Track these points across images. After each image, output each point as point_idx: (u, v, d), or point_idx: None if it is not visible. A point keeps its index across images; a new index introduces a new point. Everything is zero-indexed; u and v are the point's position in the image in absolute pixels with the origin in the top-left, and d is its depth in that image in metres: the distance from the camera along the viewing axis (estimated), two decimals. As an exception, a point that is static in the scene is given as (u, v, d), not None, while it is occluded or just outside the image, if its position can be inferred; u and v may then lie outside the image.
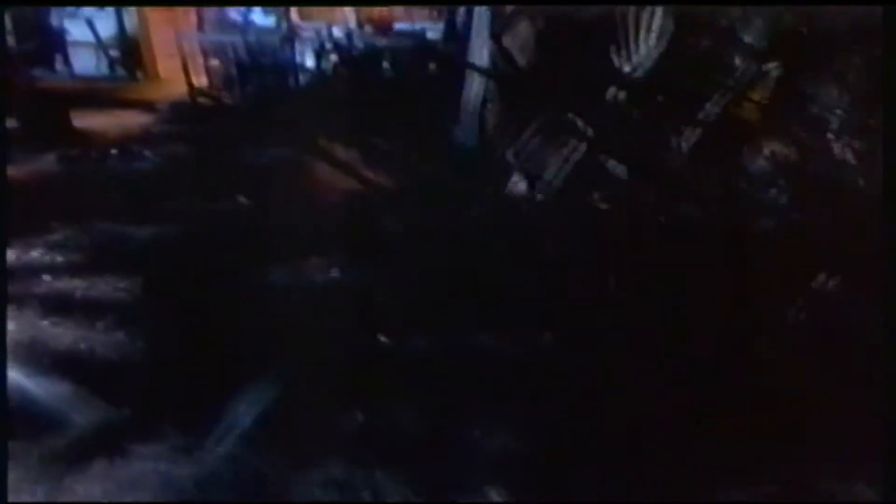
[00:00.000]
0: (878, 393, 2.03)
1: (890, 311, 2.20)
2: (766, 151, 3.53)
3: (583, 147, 3.38)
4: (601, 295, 3.12)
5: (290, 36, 7.46)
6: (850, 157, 3.26)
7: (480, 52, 4.34)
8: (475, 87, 4.24)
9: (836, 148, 3.36)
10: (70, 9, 9.62)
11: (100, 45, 9.61)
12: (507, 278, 3.28)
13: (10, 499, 2.16)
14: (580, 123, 3.61)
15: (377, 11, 8.36)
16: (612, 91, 3.60)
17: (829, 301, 3.17)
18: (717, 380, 2.81)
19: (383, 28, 7.89)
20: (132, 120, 7.68)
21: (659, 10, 4.07)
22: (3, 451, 2.21)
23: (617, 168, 3.58)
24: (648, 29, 4.07)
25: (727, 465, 2.38)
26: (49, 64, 9.59)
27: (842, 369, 2.80)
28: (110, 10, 9.35)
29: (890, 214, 2.28)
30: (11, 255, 4.02)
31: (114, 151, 6.36)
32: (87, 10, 9.53)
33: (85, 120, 7.27)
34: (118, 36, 9.48)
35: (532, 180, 3.94)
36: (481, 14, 4.28)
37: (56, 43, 9.68)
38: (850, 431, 2.38)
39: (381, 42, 7.34)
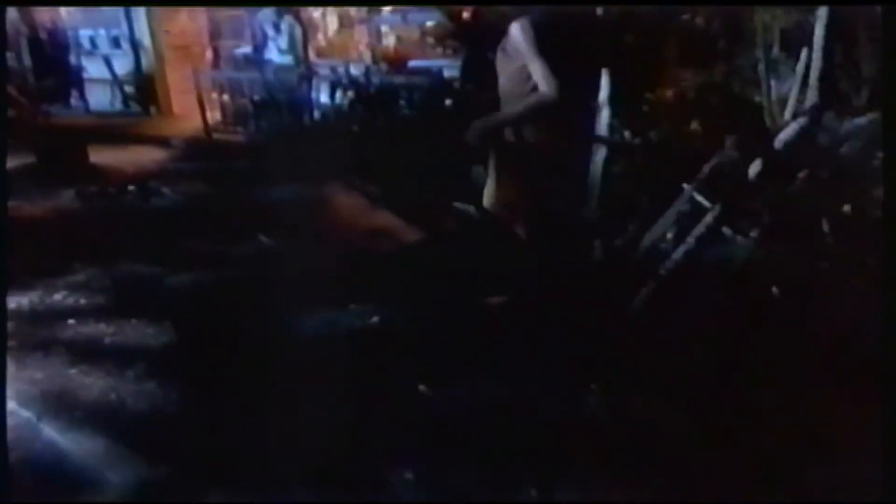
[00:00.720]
0: (877, 393, 1.99)
1: (890, 312, 2.14)
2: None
3: (709, 221, 3.19)
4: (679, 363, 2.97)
5: (308, 74, 7.48)
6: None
7: (604, 122, 4.25)
8: (598, 158, 4.16)
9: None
10: (88, 46, 9.73)
11: (116, 81, 9.69)
12: (565, 332, 3.16)
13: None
14: (703, 197, 3.43)
15: (393, 49, 8.41)
16: (756, 166, 3.40)
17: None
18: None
19: (398, 65, 7.91)
20: (148, 156, 7.69)
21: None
22: (3, 450, 2.16)
23: (742, 249, 3.41)
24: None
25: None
26: (65, 100, 9.67)
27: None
28: (128, 48, 9.43)
29: (890, 214, 2.22)
30: (34, 297, 3.98)
31: (131, 188, 6.33)
32: (105, 49, 9.64)
33: (101, 156, 7.28)
34: (134, 73, 9.55)
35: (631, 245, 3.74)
36: (607, 83, 4.20)
37: (74, 80, 9.78)
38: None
39: (398, 79, 7.36)
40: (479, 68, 6.62)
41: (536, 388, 2.89)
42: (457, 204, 4.89)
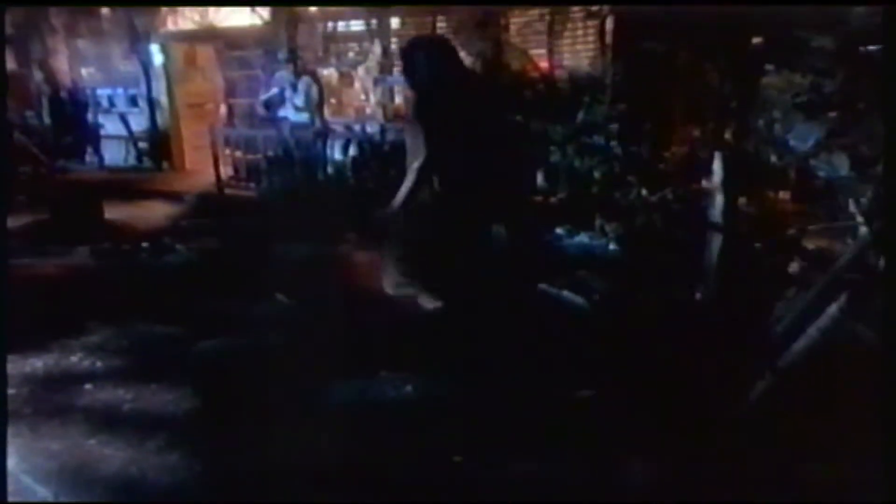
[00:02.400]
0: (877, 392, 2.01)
1: (890, 311, 2.18)
2: None
3: (834, 313, 3.02)
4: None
5: (323, 131, 7.52)
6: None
7: (719, 207, 4.21)
8: (714, 244, 4.13)
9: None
10: (106, 105, 9.89)
11: (131, 138, 9.79)
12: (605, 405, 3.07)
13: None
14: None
15: (404, 106, 8.47)
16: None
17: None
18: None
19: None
20: (161, 212, 7.68)
21: None
22: (3, 449, 2.09)
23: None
24: None
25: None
26: (81, 156, 9.77)
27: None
28: (144, 106, 9.56)
29: (890, 215, 2.25)
30: (49, 359, 3.89)
31: (145, 245, 6.29)
32: (122, 107, 9.79)
33: (115, 212, 7.26)
34: (149, 130, 9.65)
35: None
36: (721, 170, 4.19)
37: (91, 137, 9.90)
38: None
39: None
40: (494, 126, 6.65)
41: (581, 467, 2.77)
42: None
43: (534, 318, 4.05)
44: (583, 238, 5.71)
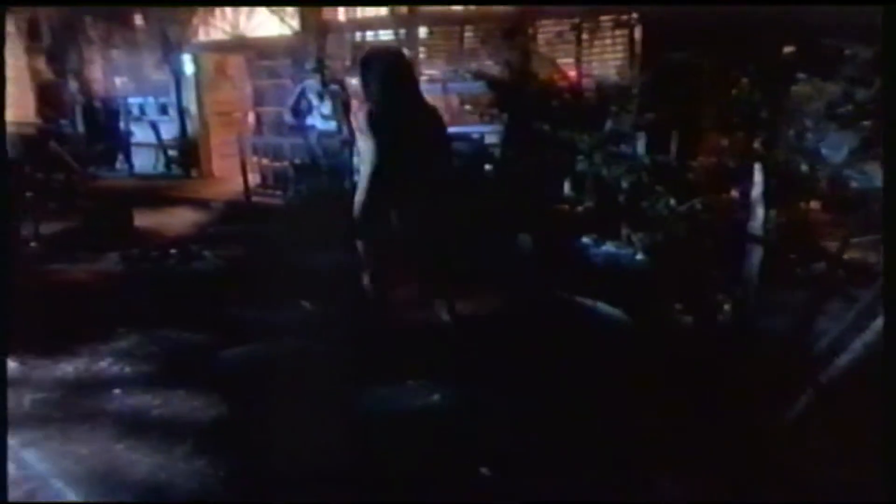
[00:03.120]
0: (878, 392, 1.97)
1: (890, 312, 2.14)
2: None
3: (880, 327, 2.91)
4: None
5: (350, 139, 7.55)
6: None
7: (759, 220, 4.19)
8: (754, 257, 4.11)
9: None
10: (137, 113, 10.06)
11: (161, 145, 9.93)
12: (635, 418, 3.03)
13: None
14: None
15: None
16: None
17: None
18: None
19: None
20: (189, 218, 7.76)
21: None
22: (3, 449, 2.10)
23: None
24: None
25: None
26: (111, 164, 9.93)
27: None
28: (174, 114, 9.71)
29: (890, 215, 2.23)
30: (80, 364, 3.94)
31: (173, 251, 6.36)
32: (153, 115, 9.95)
33: (144, 218, 7.36)
34: (179, 137, 9.79)
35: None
36: (762, 181, 4.17)
37: (122, 145, 10.07)
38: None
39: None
40: (521, 136, 6.65)
41: (613, 483, 2.73)
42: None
43: (567, 329, 4.03)
44: (609, 247, 5.68)
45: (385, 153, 3.71)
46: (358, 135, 3.89)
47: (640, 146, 6.06)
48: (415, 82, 4.17)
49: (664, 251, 5.09)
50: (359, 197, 3.89)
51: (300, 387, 3.45)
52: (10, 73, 10.92)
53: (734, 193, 5.29)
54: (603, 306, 4.38)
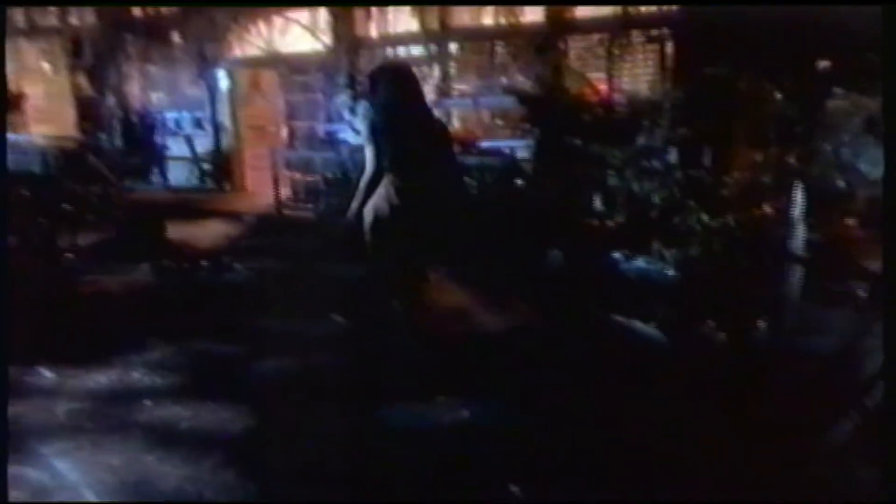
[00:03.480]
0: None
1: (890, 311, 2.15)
2: None
3: None
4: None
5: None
6: None
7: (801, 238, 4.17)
8: (794, 277, 4.09)
9: None
10: (173, 126, 10.25)
11: (195, 159, 10.08)
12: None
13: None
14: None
15: (462, 130, 8.51)
16: None
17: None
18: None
19: (468, 145, 7.97)
20: (221, 231, 7.84)
21: None
22: (3, 450, 2.08)
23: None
24: None
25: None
26: (146, 177, 10.10)
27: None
28: (209, 128, 9.86)
29: (890, 214, 2.24)
30: (113, 375, 3.99)
31: (204, 263, 6.43)
32: (188, 129, 10.13)
33: (177, 231, 7.44)
34: (213, 151, 9.93)
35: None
36: (802, 200, 4.15)
37: (157, 158, 10.25)
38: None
39: (469, 160, 7.40)
40: (552, 150, 6.63)
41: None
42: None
43: (601, 346, 3.99)
44: (640, 263, 5.62)
45: (382, 161, 3.85)
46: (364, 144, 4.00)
47: (672, 161, 6.01)
48: (419, 95, 4.25)
49: (696, 267, 5.03)
50: (354, 204, 4.04)
51: (329, 401, 3.46)
52: (52, 89, 11.29)
53: (768, 209, 5.22)
54: (639, 325, 4.33)
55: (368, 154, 3.91)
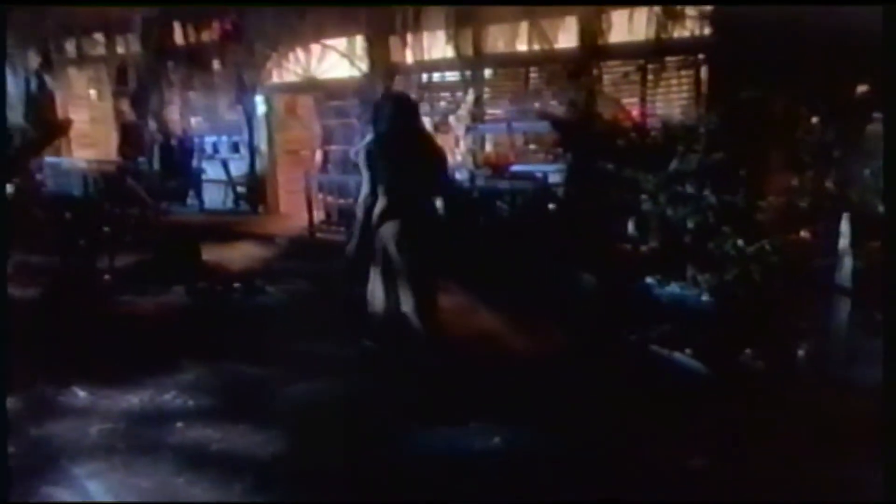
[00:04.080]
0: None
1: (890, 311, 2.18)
2: None
3: None
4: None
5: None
6: None
7: (847, 269, 4.13)
8: (841, 308, 4.05)
9: None
10: (210, 150, 10.45)
11: (230, 182, 10.25)
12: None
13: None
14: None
15: (495, 154, 8.53)
16: None
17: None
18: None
19: (501, 170, 7.99)
20: (254, 253, 7.92)
21: None
22: (3, 450, 2.04)
23: None
24: None
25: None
26: (182, 199, 10.29)
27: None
28: (245, 152, 10.03)
29: (890, 214, 2.26)
30: (145, 396, 4.03)
31: (237, 286, 6.49)
32: (225, 153, 10.33)
33: (211, 253, 7.53)
34: (248, 174, 10.08)
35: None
36: (848, 230, 4.13)
37: (194, 181, 10.44)
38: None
39: (501, 184, 7.41)
40: (585, 175, 6.60)
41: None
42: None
43: (636, 374, 3.92)
44: (674, 288, 5.54)
45: (377, 188, 4.15)
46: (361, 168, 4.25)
47: (706, 186, 5.94)
48: (416, 123, 4.56)
49: (733, 293, 4.94)
50: (357, 226, 4.38)
51: (361, 425, 3.45)
52: (97, 114, 11.62)
53: (805, 234, 5.12)
54: (680, 357, 4.25)
55: (364, 178, 4.22)
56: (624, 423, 3.41)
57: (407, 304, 4.28)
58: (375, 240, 4.23)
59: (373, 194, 4.16)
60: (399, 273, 4.26)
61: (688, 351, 4.31)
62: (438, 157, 4.58)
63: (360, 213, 4.30)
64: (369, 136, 4.52)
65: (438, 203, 4.44)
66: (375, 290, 4.40)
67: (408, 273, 4.25)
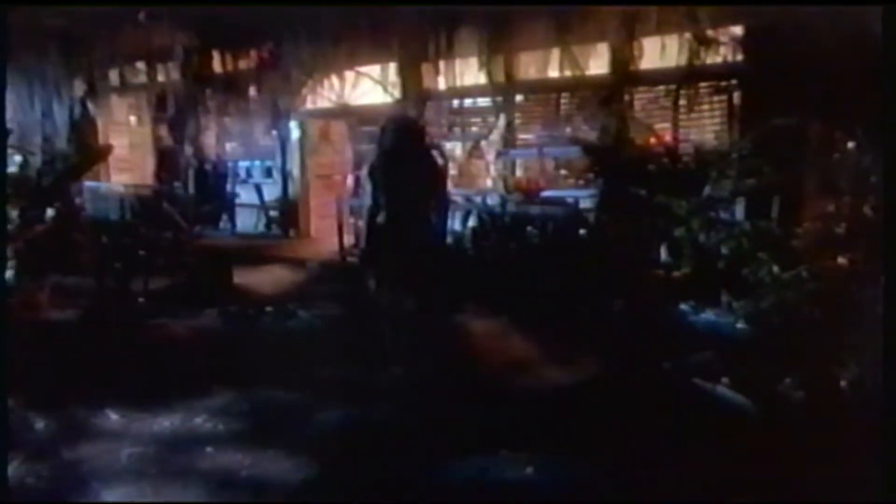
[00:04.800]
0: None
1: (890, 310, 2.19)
2: None
3: None
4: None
5: (445, 202, 7.63)
6: None
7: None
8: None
9: None
10: (244, 175, 10.63)
11: (263, 206, 10.38)
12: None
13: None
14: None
15: (525, 179, 8.52)
16: None
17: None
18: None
19: (532, 195, 7.97)
20: (285, 277, 7.97)
21: None
22: (3, 450, 2.04)
23: None
24: None
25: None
26: (215, 223, 10.43)
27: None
28: (278, 177, 10.16)
29: (891, 217, 2.34)
30: (176, 420, 4.04)
31: (268, 309, 6.52)
32: (258, 178, 10.49)
33: (243, 276, 7.59)
34: (280, 199, 10.20)
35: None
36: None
37: (227, 205, 10.60)
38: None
39: (533, 209, 7.39)
40: (617, 200, 6.56)
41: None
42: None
43: (673, 406, 3.86)
44: (709, 315, 5.46)
45: (379, 199, 4.73)
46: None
47: (740, 212, 5.86)
48: (418, 145, 5.00)
49: (769, 320, 4.85)
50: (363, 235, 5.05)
51: (391, 452, 3.42)
52: (135, 139, 11.88)
53: (843, 261, 5.01)
54: (723, 391, 4.16)
55: (367, 190, 4.84)
56: (662, 456, 3.33)
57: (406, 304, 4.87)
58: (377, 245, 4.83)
59: (376, 205, 4.73)
60: (397, 277, 4.84)
61: (724, 380, 4.22)
62: (437, 175, 5.14)
63: (364, 222, 4.89)
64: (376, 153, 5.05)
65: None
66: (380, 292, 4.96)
67: (404, 278, 4.82)
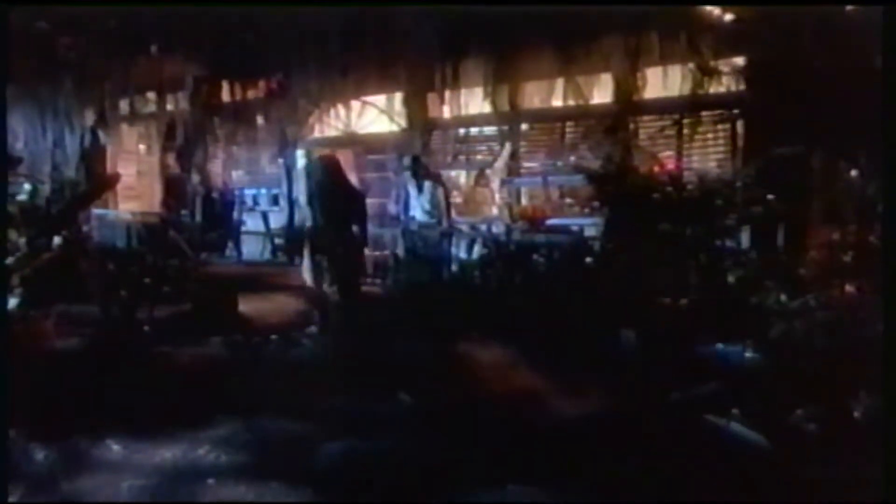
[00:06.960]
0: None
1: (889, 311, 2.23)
2: None
3: None
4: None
5: (449, 231, 7.67)
6: None
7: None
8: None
9: None
10: (250, 202, 10.69)
11: (269, 234, 10.41)
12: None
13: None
14: None
15: (530, 207, 8.54)
16: None
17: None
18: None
19: (537, 223, 7.97)
20: (290, 305, 7.93)
21: None
22: (3, 451, 2.01)
23: None
24: None
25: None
26: (221, 251, 10.46)
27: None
28: (284, 205, 10.20)
29: (890, 216, 2.33)
30: (178, 451, 4.00)
31: (273, 337, 6.49)
32: (264, 205, 10.54)
33: (248, 304, 7.56)
34: (286, 226, 10.23)
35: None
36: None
37: (233, 233, 10.63)
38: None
39: (538, 237, 7.39)
40: (622, 229, 6.55)
41: None
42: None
43: (684, 440, 3.81)
44: (717, 345, 5.41)
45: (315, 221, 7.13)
46: None
47: (745, 240, 5.85)
48: (337, 178, 7.34)
49: (778, 349, 4.80)
50: None
51: (397, 484, 3.37)
52: (143, 167, 11.96)
53: (850, 289, 4.99)
54: (737, 427, 4.10)
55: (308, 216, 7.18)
56: (672, 489, 3.28)
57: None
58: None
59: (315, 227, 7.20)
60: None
61: (734, 411, 4.17)
62: (355, 200, 7.34)
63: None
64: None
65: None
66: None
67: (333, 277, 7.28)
